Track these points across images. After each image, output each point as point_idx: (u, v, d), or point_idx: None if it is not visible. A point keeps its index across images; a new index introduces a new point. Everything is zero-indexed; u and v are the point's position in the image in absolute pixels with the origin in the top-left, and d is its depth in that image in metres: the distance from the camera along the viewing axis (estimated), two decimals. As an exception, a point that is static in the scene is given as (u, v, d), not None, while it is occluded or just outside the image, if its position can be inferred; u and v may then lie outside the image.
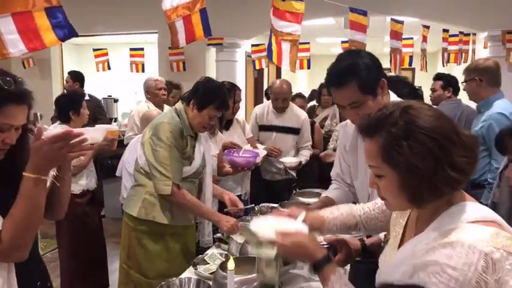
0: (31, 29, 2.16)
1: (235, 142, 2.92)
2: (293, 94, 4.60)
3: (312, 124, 3.68)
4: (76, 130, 1.18)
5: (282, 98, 3.23)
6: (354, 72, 1.45)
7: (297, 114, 3.35)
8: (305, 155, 3.34)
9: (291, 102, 3.40)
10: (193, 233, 2.28)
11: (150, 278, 2.05)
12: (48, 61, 5.81)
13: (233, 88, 2.92)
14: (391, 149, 0.89)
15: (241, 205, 2.25)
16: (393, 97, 1.60)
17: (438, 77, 3.83)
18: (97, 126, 1.72)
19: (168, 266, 2.07)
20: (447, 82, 3.71)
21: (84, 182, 2.94)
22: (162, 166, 2.00)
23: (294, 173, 3.28)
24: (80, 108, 2.92)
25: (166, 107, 3.84)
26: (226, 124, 3.00)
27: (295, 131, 3.32)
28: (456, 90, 3.72)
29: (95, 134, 1.31)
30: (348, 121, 1.73)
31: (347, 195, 1.87)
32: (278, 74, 8.23)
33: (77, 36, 2.37)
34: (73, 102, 2.93)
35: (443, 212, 0.92)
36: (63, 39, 2.33)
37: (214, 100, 2.07)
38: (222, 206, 2.43)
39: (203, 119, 2.09)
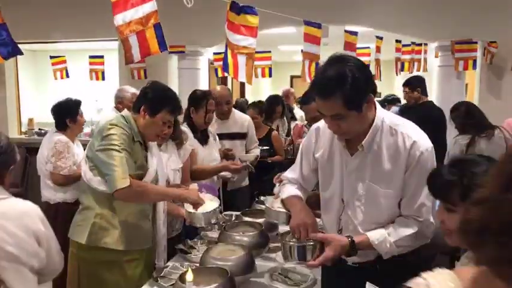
0: None
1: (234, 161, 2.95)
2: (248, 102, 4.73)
3: (270, 131, 3.77)
4: None
5: (225, 101, 3.24)
6: (340, 84, 1.32)
7: (241, 119, 3.39)
8: (256, 152, 3.37)
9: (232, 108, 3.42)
10: (152, 256, 2.08)
11: None
12: (2, 68, 5.57)
13: (205, 97, 2.83)
14: None
15: None
16: (379, 110, 1.49)
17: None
18: None
19: None
20: None
21: (75, 191, 3.00)
22: (114, 160, 1.78)
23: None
24: (77, 116, 3.07)
25: None
26: (202, 137, 2.90)
27: (242, 135, 3.36)
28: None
29: None
30: (321, 125, 1.61)
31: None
32: (242, 82, 8.26)
33: (21, 54, 2.38)
34: (70, 110, 3.07)
35: None
36: (6, 57, 2.35)
37: (167, 103, 1.97)
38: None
39: (157, 126, 1.95)
